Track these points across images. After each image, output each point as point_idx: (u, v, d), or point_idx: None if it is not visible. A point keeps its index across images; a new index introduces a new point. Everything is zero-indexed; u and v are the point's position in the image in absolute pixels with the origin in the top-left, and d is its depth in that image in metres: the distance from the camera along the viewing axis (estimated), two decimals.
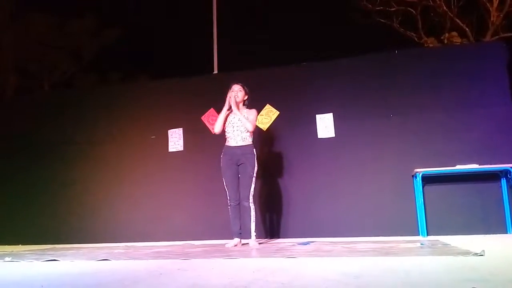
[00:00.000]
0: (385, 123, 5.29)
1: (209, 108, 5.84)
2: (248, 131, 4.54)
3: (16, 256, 3.88)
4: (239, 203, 4.49)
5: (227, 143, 4.62)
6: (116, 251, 4.37)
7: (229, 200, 4.53)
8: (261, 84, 5.79)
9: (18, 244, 6.00)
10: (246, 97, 4.72)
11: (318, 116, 5.50)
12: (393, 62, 5.43)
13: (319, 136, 5.48)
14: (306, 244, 4.25)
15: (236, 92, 4.66)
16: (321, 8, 16.09)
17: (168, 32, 17.09)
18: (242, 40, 15.70)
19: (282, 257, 3.09)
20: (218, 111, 5.75)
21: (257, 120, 5.64)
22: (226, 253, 3.59)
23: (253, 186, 4.47)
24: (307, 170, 5.46)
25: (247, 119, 4.55)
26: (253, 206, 4.46)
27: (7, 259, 3.64)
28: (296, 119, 5.58)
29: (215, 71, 6.89)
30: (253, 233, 4.42)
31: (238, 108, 4.60)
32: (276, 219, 5.45)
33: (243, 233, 4.50)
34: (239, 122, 4.55)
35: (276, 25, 17.35)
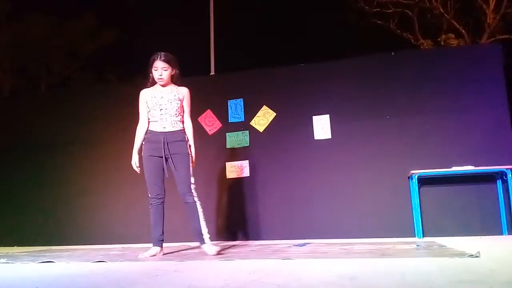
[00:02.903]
0: (381, 124, 5.30)
1: (206, 109, 5.83)
2: (179, 114, 3.87)
3: (11, 258, 3.87)
4: (162, 202, 3.83)
5: (150, 127, 3.86)
6: (112, 252, 4.36)
7: (150, 197, 3.81)
8: (257, 85, 5.80)
9: (14, 246, 5.98)
10: (174, 72, 3.89)
11: (314, 118, 5.51)
12: (389, 64, 5.43)
13: (315, 138, 5.48)
14: (302, 246, 4.25)
15: (160, 72, 3.80)
16: (318, 9, 16.11)
17: (164, 32, 17.07)
18: (239, 41, 15.71)
19: (278, 258, 3.08)
20: (215, 112, 5.79)
21: (253, 121, 5.68)
22: (222, 255, 3.59)
23: (192, 178, 3.78)
24: (303, 171, 5.46)
25: (179, 101, 3.84)
26: (199, 202, 3.76)
27: (2, 260, 3.62)
28: (293, 120, 5.58)
29: (212, 72, 6.88)
30: (206, 235, 3.71)
31: (165, 85, 3.87)
32: (272, 220, 5.45)
33: (193, 236, 3.84)
34: (168, 103, 3.82)
35: (272, 26, 17.36)
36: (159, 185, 3.82)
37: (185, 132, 3.89)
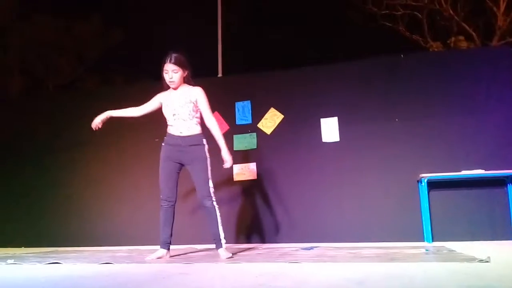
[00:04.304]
0: (390, 127, 5.26)
1: (213, 112, 5.80)
2: (194, 117, 3.80)
3: (18, 259, 3.88)
4: (172, 205, 3.80)
5: (169, 131, 3.85)
6: (118, 254, 4.36)
7: (161, 199, 3.80)
8: (265, 87, 5.78)
9: (21, 247, 6.00)
10: (185, 73, 3.81)
11: (322, 120, 5.48)
12: (398, 66, 5.39)
13: (323, 140, 5.45)
14: (310, 249, 4.22)
15: (171, 75, 3.75)
16: (326, 11, 16.09)
17: (172, 34, 17.15)
18: (247, 43, 15.72)
19: (286, 262, 3.07)
20: (222, 114, 5.78)
21: (261, 124, 5.67)
22: (231, 258, 3.57)
23: (211, 181, 3.72)
24: (311, 174, 5.43)
25: (192, 103, 3.76)
26: (217, 206, 3.72)
27: (9, 261, 3.63)
28: (301, 122, 5.55)
29: (220, 74, 6.88)
30: (223, 240, 3.70)
31: (177, 88, 3.82)
32: (279, 224, 5.42)
33: (212, 240, 3.77)
34: (179, 108, 3.76)
35: (281, 28, 17.36)
36: (172, 188, 3.79)
37: (203, 135, 3.82)
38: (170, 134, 3.84)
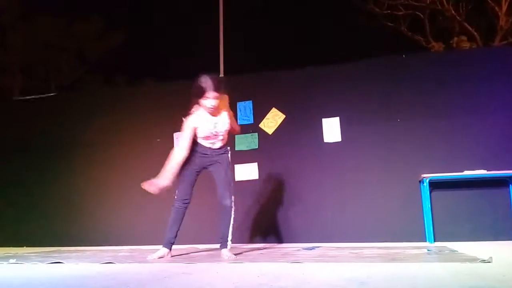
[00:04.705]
0: (392, 127, 5.26)
1: None
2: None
3: (20, 258, 3.88)
4: (186, 207, 3.85)
5: (201, 142, 3.86)
6: (120, 254, 4.37)
7: (176, 199, 3.86)
8: (267, 87, 5.78)
9: (23, 246, 6.01)
10: (223, 96, 3.77)
11: (324, 120, 5.48)
12: (400, 66, 5.39)
13: (325, 140, 5.45)
14: (311, 249, 4.22)
15: (213, 102, 3.64)
16: (328, 11, 16.08)
17: (173, 35, 17.15)
18: (249, 43, 15.73)
19: (287, 262, 3.07)
20: None
21: (262, 124, 5.67)
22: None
23: (232, 182, 3.88)
24: (313, 174, 5.43)
25: (228, 116, 3.84)
26: (234, 208, 3.81)
27: (11, 261, 3.64)
28: (302, 123, 5.55)
29: (221, 74, 6.87)
30: (229, 242, 3.76)
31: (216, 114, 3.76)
32: (281, 224, 5.42)
33: (219, 239, 3.82)
34: (221, 127, 3.80)
35: (282, 29, 17.36)
36: (190, 191, 3.88)
37: (227, 145, 3.96)
38: (199, 144, 3.87)
